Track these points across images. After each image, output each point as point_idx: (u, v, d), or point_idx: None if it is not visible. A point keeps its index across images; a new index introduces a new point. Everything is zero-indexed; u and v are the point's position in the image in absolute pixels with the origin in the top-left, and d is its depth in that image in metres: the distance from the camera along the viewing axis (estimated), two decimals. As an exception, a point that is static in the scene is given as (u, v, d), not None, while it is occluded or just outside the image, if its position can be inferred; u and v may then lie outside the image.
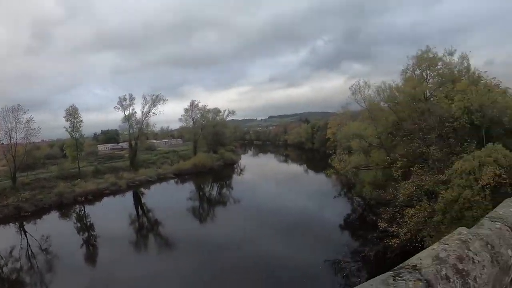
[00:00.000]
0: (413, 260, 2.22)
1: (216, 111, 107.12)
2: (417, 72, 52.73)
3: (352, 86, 53.27)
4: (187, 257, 33.08)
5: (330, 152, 56.76)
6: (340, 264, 31.91)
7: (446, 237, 2.62)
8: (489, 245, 2.59)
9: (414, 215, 35.69)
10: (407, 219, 35.52)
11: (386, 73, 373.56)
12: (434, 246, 2.48)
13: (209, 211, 54.50)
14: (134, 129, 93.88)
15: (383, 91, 52.42)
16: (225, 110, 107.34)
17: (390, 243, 31.97)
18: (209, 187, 75.84)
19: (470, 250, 2.44)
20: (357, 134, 53.24)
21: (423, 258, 2.23)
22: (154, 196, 65.14)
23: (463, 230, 2.70)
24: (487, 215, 3.15)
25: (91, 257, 36.94)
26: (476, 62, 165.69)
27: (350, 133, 56.16)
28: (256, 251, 32.94)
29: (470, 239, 2.57)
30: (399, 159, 45.41)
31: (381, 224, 37.33)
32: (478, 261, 2.39)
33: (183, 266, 31.74)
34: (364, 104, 53.38)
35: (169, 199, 59.44)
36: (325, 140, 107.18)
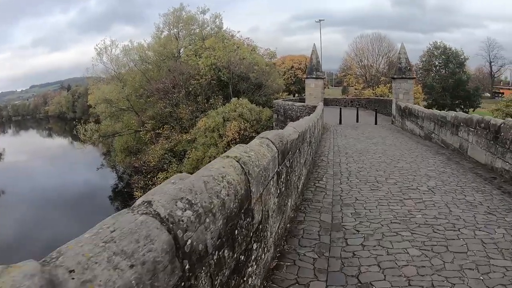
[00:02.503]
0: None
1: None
2: (174, 31, 48.02)
3: (97, 45, 45.07)
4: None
5: (87, 121, 48.95)
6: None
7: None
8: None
9: (166, 179, 31.27)
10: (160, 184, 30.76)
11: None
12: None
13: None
14: None
15: (130, 50, 46.05)
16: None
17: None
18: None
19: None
20: (105, 98, 45.44)
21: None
22: None
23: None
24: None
25: None
26: (242, 28, 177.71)
27: (99, 98, 47.74)
28: (45, 240, 25.91)
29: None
30: (148, 121, 39.97)
31: (137, 193, 31.98)
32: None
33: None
34: (111, 65, 46.38)
35: None
36: (87, 108, 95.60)
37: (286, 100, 36.13)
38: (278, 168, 4.48)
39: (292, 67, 61.15)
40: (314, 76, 25.56)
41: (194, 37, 46.97)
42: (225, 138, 28.60)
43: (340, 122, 22.70)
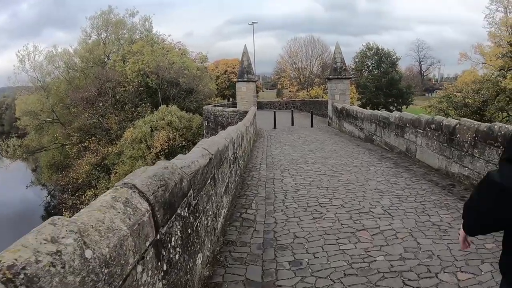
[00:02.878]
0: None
1: None
2: (103, 35, 44.92)
3: (19, 51, 41.47)
4: None
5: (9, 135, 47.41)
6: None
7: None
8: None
9: (96, 196, 28.67)
10: (88, 203, 27.89)
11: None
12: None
13: None
14: None
15: (55, 57, 42.89)
16: None
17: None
18: None
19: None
20: (29, 110, 42.03)
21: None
22: None
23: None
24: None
25: None
26: (177, 33, 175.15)
27: (23, 110, 44.31)
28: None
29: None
30: (74, 133, 37.23)
31: (66, 213, 28.48)
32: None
33: None
34: (35, 73, 42.51)
35: None
36: (15, 120, 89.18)
37: (217, 105, 33.97)
38: (157, 235, 2.40)
39: (226, 71, 59.52)
40: (245, 79, 23.87)
41: (123, 41, 44.13)
42: (154, 150, 26.30)
43: (275, 127, 21.08)
